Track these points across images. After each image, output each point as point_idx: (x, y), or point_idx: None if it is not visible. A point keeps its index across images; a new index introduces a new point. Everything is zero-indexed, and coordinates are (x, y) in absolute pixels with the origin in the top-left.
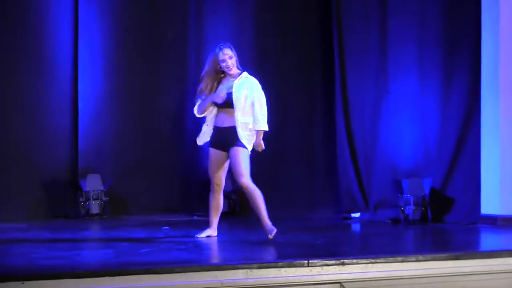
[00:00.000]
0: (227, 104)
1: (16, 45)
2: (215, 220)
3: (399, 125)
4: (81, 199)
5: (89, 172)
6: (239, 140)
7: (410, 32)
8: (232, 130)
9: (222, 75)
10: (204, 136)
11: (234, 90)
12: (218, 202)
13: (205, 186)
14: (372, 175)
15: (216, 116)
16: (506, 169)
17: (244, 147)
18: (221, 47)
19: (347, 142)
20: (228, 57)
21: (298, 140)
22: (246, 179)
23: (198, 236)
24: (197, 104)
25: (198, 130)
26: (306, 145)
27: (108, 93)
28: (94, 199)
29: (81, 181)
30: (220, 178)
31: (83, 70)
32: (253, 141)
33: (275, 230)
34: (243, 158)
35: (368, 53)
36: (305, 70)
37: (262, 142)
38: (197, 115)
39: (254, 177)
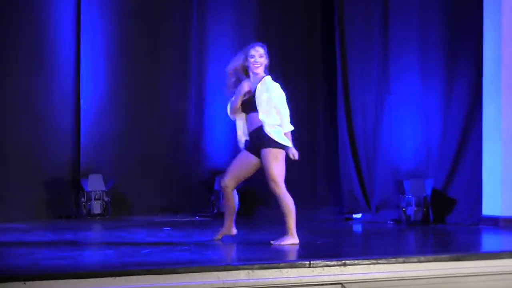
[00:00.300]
0: (250, 107)
1: (19, 44)
2: (227, 219)
3: (401, 126)
4: (82, 199)
5: (91, 172)
6: (270, 139)
7: (412, 33)
8: (260, 129)
9: (247, 75)
10: (241, 140)
11: (256, 95)
12: (228, 202)
13: (206, 187)
14: (374, 176)
15: (246, 122)
16: (508, 170)
17: (276, 146)
18: (255, 44)
19: (349, 142)
20: (259, 55)
21: (300, 141)
22: (276, 185)
23: (214, 238)
24: (228, 105)
25: (200, 131)
26: (308, 146)
27: (110, 93)
28: (95, 199)
29: (82, 181)
30: (232, 179)
31: (85, 69)
32: (286, 139)
33: (285, 242)
34: (273, 160)
35: (370, 54)
36: (307, 71)
37: (293, 149)
38: (230, 117)
39: (257, 177)
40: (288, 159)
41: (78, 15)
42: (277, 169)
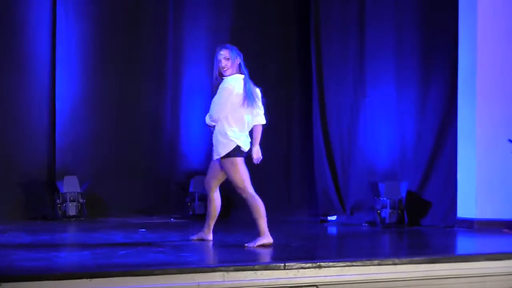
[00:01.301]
0: None
1: None
2: (207, 224)
3: (376, 129)
4: (58, 201)
5: (66, 174)
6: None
7: (388, 37)
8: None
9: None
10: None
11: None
12: (212, 207)
13: (182, 189)
14: (349, 178)
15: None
16: (482, 173)
17: (227, 156)
18: (220, 47)
19: (324, 145)
20: (224, 57)
21: (276, 143)
22: (242, 190)
23: (192, 238)
24: None
25: (176, 132)
26: (284, 148)
27: (86, 95)
28: (71, 201)
29: (58, 183)
30: (210, 184)
31: (61, 72)
32: (230, 147)
33: (259, 243)
34: (231, 169)
35: (346, 60)
36: (283, 73)
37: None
38: None
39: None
40: (266, 161)
41: (54, 17)
42: (237, 176)
